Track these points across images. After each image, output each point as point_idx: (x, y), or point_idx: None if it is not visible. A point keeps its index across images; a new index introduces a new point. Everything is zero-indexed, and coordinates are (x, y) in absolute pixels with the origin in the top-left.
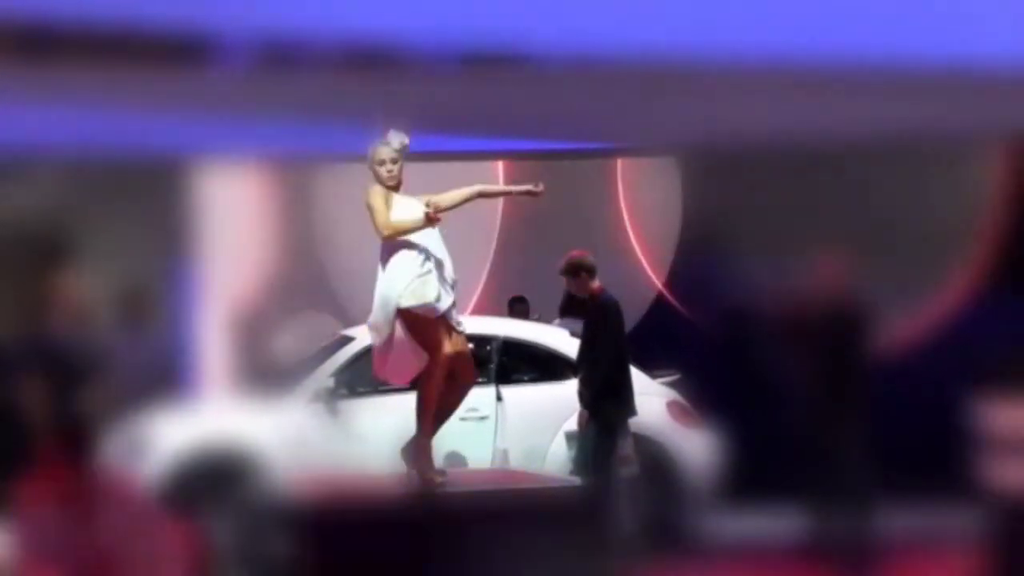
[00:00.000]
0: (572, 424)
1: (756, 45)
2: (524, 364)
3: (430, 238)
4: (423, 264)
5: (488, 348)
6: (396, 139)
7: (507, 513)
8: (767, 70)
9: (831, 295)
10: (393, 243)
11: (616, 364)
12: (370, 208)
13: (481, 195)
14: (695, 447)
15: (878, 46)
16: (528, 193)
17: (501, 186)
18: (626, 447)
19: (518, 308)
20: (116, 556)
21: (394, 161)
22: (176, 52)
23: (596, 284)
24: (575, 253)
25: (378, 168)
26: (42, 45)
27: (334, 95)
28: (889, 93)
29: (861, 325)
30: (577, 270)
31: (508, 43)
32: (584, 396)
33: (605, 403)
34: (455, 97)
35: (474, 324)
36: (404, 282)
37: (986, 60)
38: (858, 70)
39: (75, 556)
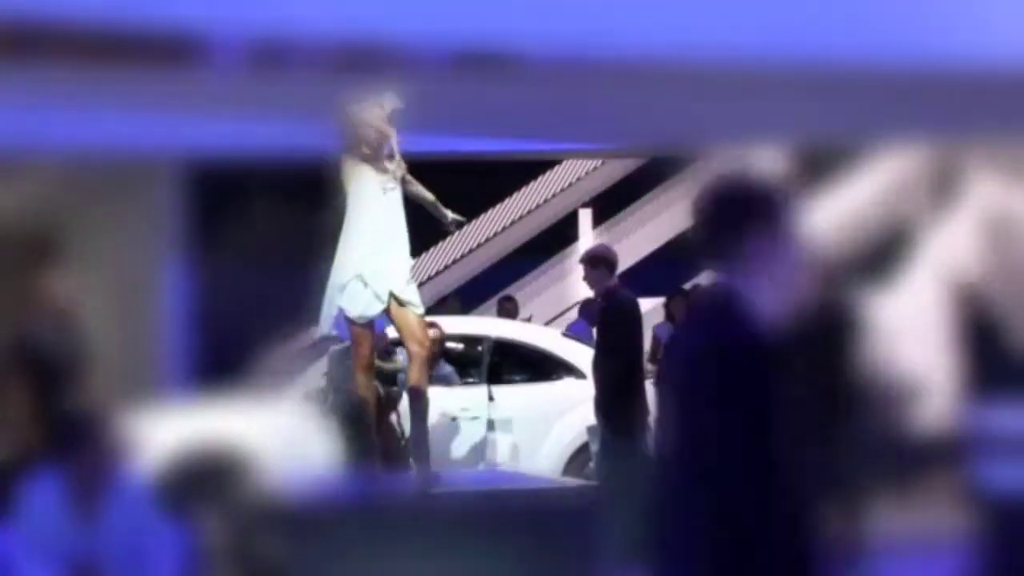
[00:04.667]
0: (573, 420)
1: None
2: (515, 364)
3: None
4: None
5: (479, 348)
6: (390, 102)
7: (498, 514)
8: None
9: (821, 301)
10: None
11: (629, 366)
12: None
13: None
14: None
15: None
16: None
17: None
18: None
19: (507, 307)
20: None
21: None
22: (168, 51)
23: (614, 281)
24: (598, 244)
25: (364, 130)
26: (32, 44)
27: (326, 95)
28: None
29: (850, 329)
30: (596, 262)
31: (500, 42)
32: (599, 403)
33: (619, 408)
34: (446, 97)
35: (465, 324)
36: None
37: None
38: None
39: (73, 553)
